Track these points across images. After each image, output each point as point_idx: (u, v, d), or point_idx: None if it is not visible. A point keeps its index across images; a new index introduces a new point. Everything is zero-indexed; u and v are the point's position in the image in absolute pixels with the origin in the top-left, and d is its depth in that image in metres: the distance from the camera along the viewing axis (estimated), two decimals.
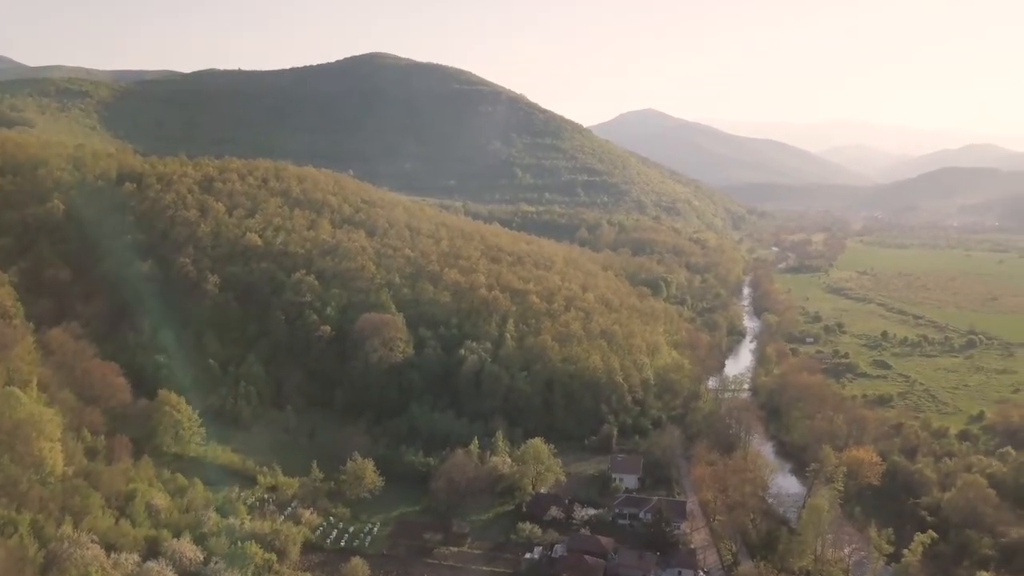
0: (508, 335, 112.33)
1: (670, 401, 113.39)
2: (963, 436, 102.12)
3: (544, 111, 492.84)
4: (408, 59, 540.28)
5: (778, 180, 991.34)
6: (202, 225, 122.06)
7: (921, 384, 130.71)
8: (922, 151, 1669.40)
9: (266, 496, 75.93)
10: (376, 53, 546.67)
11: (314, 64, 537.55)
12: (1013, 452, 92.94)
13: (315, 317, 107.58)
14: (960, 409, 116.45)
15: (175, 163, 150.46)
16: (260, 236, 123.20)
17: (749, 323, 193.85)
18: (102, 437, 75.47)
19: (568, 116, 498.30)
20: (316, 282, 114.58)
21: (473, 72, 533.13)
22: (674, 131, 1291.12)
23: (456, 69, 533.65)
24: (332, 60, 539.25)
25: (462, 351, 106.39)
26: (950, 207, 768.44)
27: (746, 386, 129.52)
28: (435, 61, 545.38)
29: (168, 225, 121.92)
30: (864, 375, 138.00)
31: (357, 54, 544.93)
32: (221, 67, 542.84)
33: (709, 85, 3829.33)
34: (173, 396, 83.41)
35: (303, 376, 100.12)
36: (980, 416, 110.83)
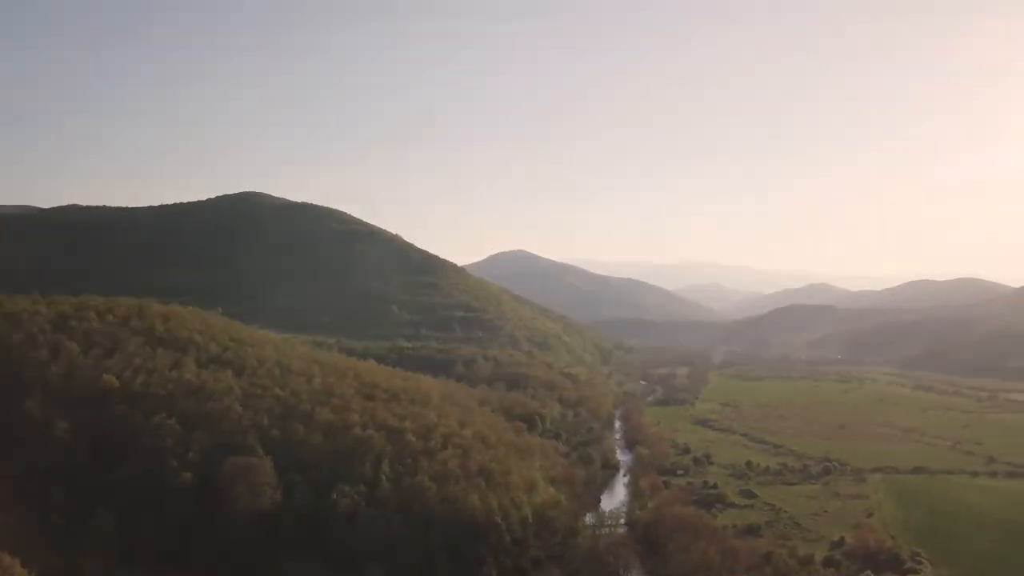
0: (383, 476, 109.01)
1: (549, 539, 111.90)
2: (827, 562, 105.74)
3: (420, 251, 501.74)
4: (283, 198, 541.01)
5: (642, 316, 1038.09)
6: (53, 366, 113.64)
7: (785, 512, 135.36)
8: (769, 290, 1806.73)
9: None
10: (250, 192, 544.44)
11: (184, 201, 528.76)
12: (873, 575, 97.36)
13: (175, 463, 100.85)
14: (822, 535, 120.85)
15: (25, 301, 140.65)
16: (118, 377, 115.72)
17: (622, 456, 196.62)
18: None
19: (443, 255, 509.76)
20: (178, 425, 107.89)
21: (349, 212, 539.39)
22: (544, 270, 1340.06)
23: (332, 209, 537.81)
24: (204, 198, 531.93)
25: (335, 495, 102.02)
26: (798, 341, 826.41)
27: (622, 520, 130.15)
28: (310, 201, 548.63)
29: (15, 367, 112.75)
30: (733, 505, 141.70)
31: (230, 192, 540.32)
32: (84, 202, 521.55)
33: (575, 228, 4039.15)
34: (6, 558, 74.58)
35: (160, 529, 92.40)
36: (841, 542, 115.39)
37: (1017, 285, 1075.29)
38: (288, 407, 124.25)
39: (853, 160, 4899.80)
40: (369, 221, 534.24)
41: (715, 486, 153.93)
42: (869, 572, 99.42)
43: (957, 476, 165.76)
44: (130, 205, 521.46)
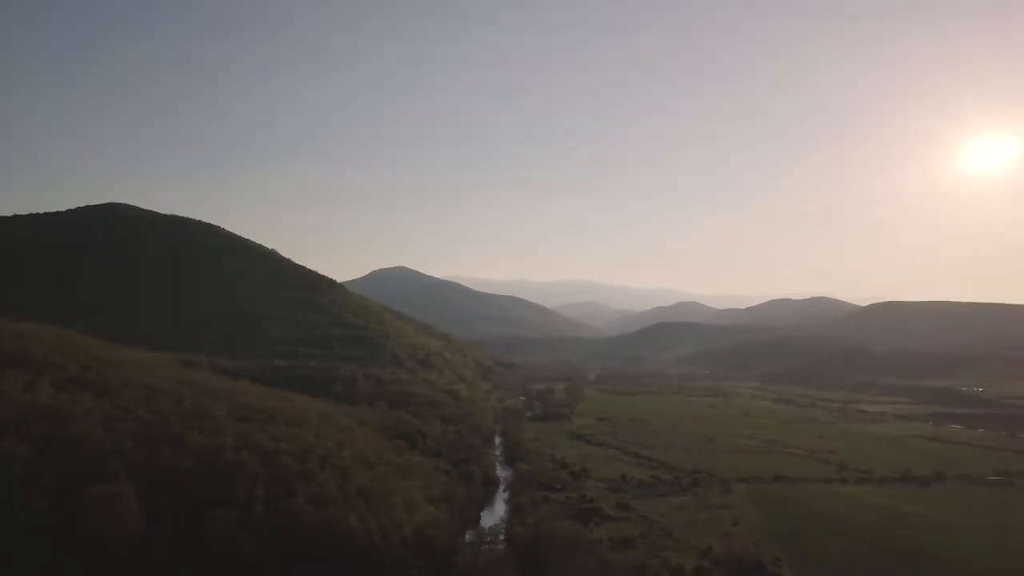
0: (258, 500, 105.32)
1: (429, 559, 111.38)
2: (697, 571, 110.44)
3: (298, 266, 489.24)
4: (151, 211, 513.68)
5: (522, 333, 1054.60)
6: None
7: (658, 523, 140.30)
8: (641, 307, 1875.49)
9: None
10: (115, 203, 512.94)
11: (42, 212, 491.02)
12: None
13: (26, 492, 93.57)
14: (693, 545, 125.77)
15: None
16: None
17: (502, 472, 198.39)
18: None
19: (322, 271, 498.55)
20: (31, 451, 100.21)
21: (222, 226, 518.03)
22: (426, 288, 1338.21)
23: (204, 223, 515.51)
24: (63, 209, 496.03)
25: (205, 521, 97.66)
26: (669, 357, 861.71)
27: (502, 537, 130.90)
28: (181, 214, 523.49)
29: None
30: (609, 518, 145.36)
31: (93, 203, 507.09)
32: None
33: (457, 246, 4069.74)
34: None
35: (10, 565, 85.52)
36: (709, 550, 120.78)
37: (864, 304, 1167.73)
38: (155, 430, 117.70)
39: (722, 184, 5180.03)
40: (244, 236, 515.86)
41: (592, 500, 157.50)
42: None
43: (813, 484, 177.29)
44: None
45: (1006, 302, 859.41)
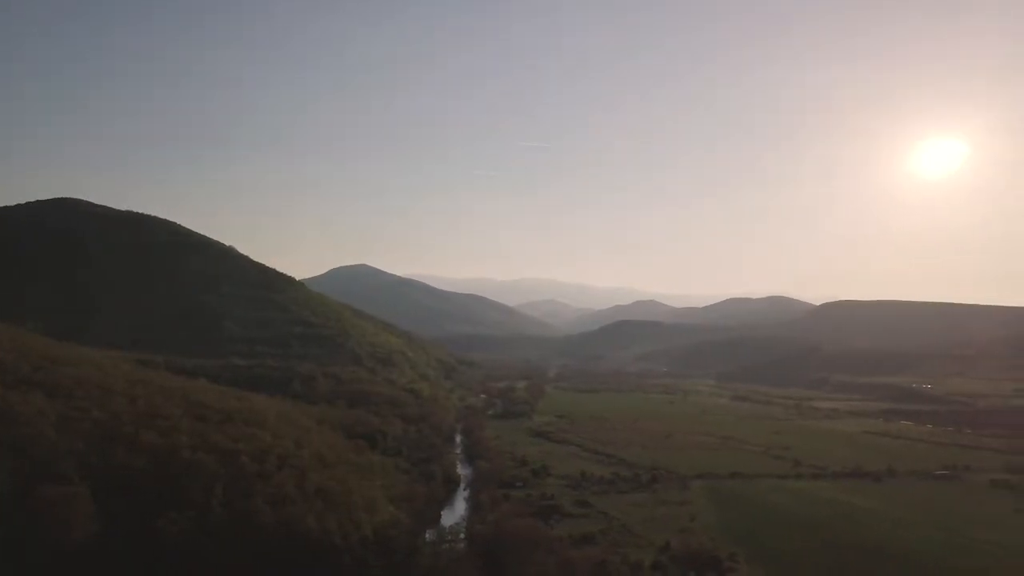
0: (215, 501, 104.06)
1: (389, 559, 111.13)
2: (656, 566, 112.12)
3: (256, 263, 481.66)
4: (106, 207, 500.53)
5: (483, 332, 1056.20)
6: None
7: (618, 520, 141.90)
8: (600, 306, 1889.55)
9: None
10: (68, 198, 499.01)
11: None
12: None
13: None
14: (651, 541, 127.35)
15: None
16: None
17: (463, 470, 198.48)
18: None
19: (280, 269, 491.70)
20: None
21: (179, 223, 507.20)
22: (387, 286, 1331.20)
23: (161, 219, 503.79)
24: (10, 203, 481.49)
25: (161, 523, 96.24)
26: (628, 355, 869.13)
27: (462, 535, 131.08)
28: (136, 209, 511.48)
29: None
30: (569, 515, 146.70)
31: (45, 198, 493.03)
32: None
33: (419, 244, 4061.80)
34: None
35: None
36: (667, 546, 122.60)
37: (818, 303, 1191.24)
38: (109, 431, 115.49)
39: (680, 185, 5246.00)
40: (202, 232, 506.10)
41: (552, 497, 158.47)
42: (692, 574, 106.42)
43: (768, 480, 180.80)
44: None
45: (954, 302, 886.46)
